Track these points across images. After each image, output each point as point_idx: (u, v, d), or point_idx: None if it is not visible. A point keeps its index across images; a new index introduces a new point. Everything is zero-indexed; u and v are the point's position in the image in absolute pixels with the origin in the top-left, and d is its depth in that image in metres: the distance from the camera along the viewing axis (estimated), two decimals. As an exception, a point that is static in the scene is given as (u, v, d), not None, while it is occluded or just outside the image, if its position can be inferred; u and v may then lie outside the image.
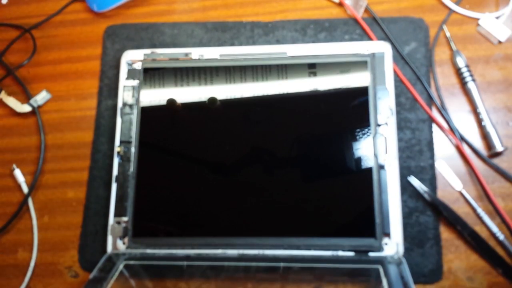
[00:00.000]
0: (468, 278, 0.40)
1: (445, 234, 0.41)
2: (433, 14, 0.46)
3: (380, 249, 0.39)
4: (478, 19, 0.46)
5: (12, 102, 0.47)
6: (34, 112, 0.47)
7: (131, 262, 0.39)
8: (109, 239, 0.41)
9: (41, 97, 0.48)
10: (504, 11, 0.45)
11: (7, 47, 0.50)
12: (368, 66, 0.42)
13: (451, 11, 0.46)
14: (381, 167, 0.40)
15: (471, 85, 0.43)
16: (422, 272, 0.40)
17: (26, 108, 0.47)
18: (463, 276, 0.40)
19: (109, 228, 0.42)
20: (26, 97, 0.48)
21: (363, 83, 0.42)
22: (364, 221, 0.39)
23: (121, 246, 0.41)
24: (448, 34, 0.45)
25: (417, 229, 0.41)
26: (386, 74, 0.42)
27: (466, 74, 0.44)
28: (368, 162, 0.40)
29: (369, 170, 0.40)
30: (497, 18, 0.45)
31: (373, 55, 0.43)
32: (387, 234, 0.39)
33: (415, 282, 0.40)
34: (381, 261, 0.38)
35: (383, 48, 0.43)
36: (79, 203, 0.45)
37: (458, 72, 0.44)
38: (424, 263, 0.40)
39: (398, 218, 0.39)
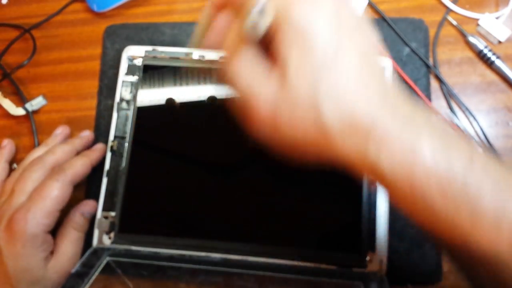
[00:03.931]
0: (468, 279, 0.40)
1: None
2: (433, 14, 0.46)
3: (364, 265, 0.38)
4: (478, 19, 0.46)
5: (7, 104, 0.47)
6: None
7: (115, 259, 0.39)
8: (95, 233, 0.41)
9: (37, 102, 0.47)
10: (504, 11, 0.45)
11: (7, 47, 0.50)
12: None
13: (449, 10, 0.46)
14: (371, 183, 0.40)
15: (498, 63, 0.44)
16: (422, 272, 0.40)
17: (20, 112, 0.47)
18: (463, 276, 0.40)
19: (96, 221, 0.42)
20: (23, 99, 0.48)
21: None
22: (350, 236, 0.39)
23: (107, 240, 0.41)
24: (454, 23, 0.46)
25: (416, 230, 0.41)
26: None
27: (489, 54, 0.44)
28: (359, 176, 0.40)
29: (360, 185, 0.40)
30: (497, 18, 0.45)
31: None
32: (372, 251, 0.39)
33: (415, 283, 0.40)
34: (363, 277, 0.38)
35: (384, 63, 0.42)
36: (79, 202, 0.45)
37: (480, 55, 0.44)
38: (424, 263, 0.40)
39: (384, 235, 0.39)
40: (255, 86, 0.25)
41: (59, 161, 0.40)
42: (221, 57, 0.27)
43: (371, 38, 0.26)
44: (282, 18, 0.24)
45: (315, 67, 0.24)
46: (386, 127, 0.23)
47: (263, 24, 0.24)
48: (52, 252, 0.39)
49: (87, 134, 0.45)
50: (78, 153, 0.43)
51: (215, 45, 0.28)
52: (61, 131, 0.45)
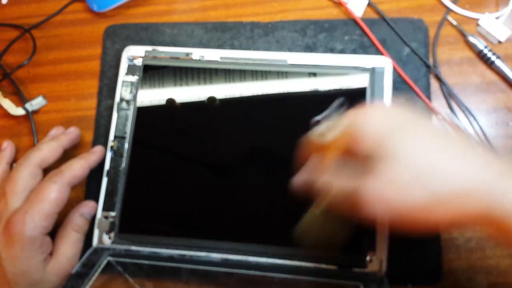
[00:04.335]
0: (468, 278, 0.40)
1: (445, 234, 0.41)
2: (433, 14, 0.46)
3: (364, 265, 0.38)
4: (478, 19, 0.46)
5: (7, 104, 0.47)
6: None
7: (115, 259, 0.39)
8: (95, 233, 0.41)
9: (37, 102, 0.47)
10: (504, 11, 0.45)
11: (7, 47, 0.50)
12: (367, 81, 0.42)
13: (449, 10, 0.46)
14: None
15: (498, 63, 0.44)
16: (422, 273, 0.40)
17: (20, 112, 0.47)
18: (463, 276, 0.40)
19: (96, 221, 0.42)
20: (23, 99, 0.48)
21: (361, 97, 0.42)
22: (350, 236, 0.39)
23: (107, 240, 0.41)
24: (454, 23, 0.46)
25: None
26: (385, 89, 0.42)
27: (489, 54, 0.44)
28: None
29: None
30: (497, 18, 0.45)
31: (373, 70, 0.42)
32: (373, 250, 0.39)
33: (415, 283, 0.40)
34: (363, 277, 0.38)
35: (384, 63, 0.43)
36: (78, 203, 0.45)
37: (480, 55, 0.44)
38: (424, 263, 0.40)
39: (384, 235, 0.39)
40: (355, 182, 0.29)
41: (45, 157, 0.40)
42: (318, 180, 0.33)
43: (428, 121, 0.31)
44: (357, 128, 0.29)
45: (410, 156, 0.28)
46: (505, 187, 0.26)
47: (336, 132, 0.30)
48: (51, 254, 0.39)
49: (72, 130, 0.44)
50: (65, 149, 0.42)
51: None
52: (56, 131, 0.45)
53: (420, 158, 0.27)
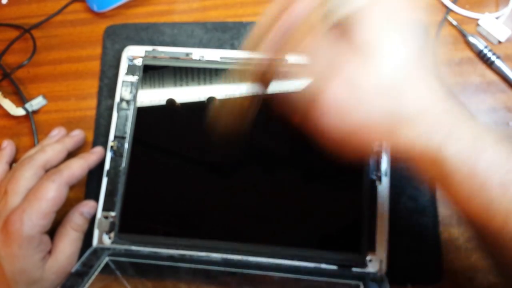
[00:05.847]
0: (468, 278, 0.40)
1: (445, 234, 0.41)
2: (433, 14, 0.46)
3: (363, 265, 0.39)
4: (478, 19, 0.46)
5: (7, 104, 0.47)
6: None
7: (115, 258, 0.39)
8: (95, 233, 0.41)
9: (37, 102, 0.47)
10: (504, 11, 0.45)
11: (7, 47, 0.50)
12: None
13: (449, 10, 0.46)
14: (372, 182, 0.40)
15: (498, 63, 0.44)
16: (422, 273, 0.40)
17: (20, 112, 0.47)
18: (463, 276, 0.40)
19: (96, 221, 0.42)
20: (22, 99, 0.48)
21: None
22: (350, 235, 0.39)
23: (107, 240, 0.41)
24: (454, 23, 0.46)
25: (417, 230, 0.41)
26: None
27: (489, 54, 0.44)
28: (359, 176, 0.40)
29: (360, 184, 0.40)
30: (497, 18, 0.45)
31: None
32: (373, 250, 0.39)
33: (415, 283, 0.40)
34: (363, 277, 0.38)
35: None
36: (78, 202, 0.45)
37: (480, 55, 0.44)
38: (424, 263, 0.40)
39: (385, 235, 0.39)
40: (336, 63, 0.26)
41: (49, 159, 0.40)
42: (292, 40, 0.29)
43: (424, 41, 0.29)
44: (377, 7, 0.26)
45: (408, 58, 0.26)
46: (458, 117, 0.25)
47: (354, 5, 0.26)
48: (50, 252, 0.39)
49: (77, 133, 0.45)
50: (69, 152, 0.43)
51: (285, 33, 0.29)
52: (57, 132, 0.45)
53: (401, 70, 0.26)
